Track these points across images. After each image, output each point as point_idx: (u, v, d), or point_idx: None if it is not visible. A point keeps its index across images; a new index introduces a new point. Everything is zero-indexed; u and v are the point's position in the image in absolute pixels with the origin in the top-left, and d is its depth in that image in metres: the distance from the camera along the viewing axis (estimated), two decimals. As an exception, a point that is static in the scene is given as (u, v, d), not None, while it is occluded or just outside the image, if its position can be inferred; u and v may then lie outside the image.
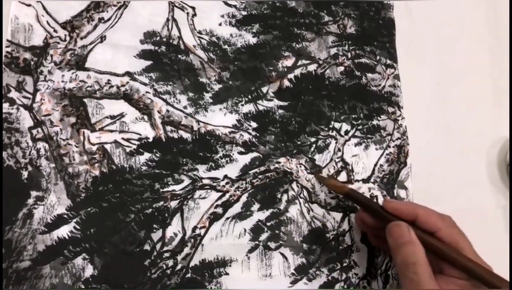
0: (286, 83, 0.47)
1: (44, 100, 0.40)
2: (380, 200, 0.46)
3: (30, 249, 0.38)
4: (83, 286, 0.38)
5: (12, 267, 0.37)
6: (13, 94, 0.40)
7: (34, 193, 0.39)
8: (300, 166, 0.45)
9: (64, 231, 0.39)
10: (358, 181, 0.46)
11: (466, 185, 0.50)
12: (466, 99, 0.51)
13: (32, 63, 0.41)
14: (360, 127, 0.48)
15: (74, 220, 0.39)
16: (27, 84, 0.40)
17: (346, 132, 0.47)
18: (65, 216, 0.39)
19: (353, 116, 0.48)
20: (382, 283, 0.44)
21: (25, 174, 0.39)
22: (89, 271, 0.38)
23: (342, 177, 0.46)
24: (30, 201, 0.38)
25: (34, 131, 0.40)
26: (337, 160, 0.46)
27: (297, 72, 0.47)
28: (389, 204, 0.38)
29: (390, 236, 0.35)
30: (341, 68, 0.49)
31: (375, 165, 0.47)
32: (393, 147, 0.48)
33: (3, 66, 0.41)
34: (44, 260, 0.38)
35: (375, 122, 0.48)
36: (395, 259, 0.35)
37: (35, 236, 0.38)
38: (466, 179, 0.50)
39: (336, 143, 0.47)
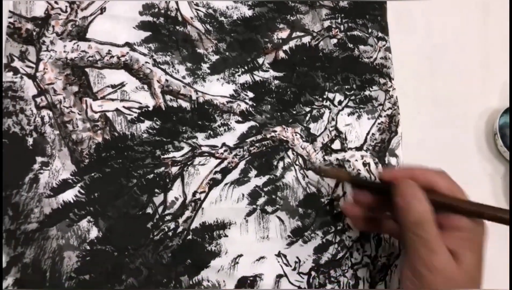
0: (281, 54, 0.49)
1: (47, 69, 0.43)
2: (373, 167, 0.49)
3: (37, 212, 0.40)
4: (88, 247, 0.40)
5: (20, 229, 0.39)
6: (17, 63, 0.42)
7: (39, 159, 0.41)
8: (296, 135, 0.48)
9: (69, 195, 0.41)
10: (351, 149, 0.49)
11: (455, 153, 0.53)
12: (455, 71, 0.54)
13: (34, 33, 0.43)
14: (352, 97, 0.50)
15: (79, 184, 0.41)
16: (30, 54, 0.43)
17: (340, 102, 0.50)
18: (70, 181, 0.41)
19: (346, 86, 0.50)
20: (375, 245, 0.47)
21: (30, 140, 0.41)
22: (94, 233, 0.41)
23: (336, 145, 0.49)
24: (36, 166, 0.41)
25: (38, 99, 0.42)
26: (331, 129, 0.49)
27: (292, 43, 0.50)
28: (386, 173, 0.39)
29: (399, 195, 0.36)
30: (334, 40, 0.51)
31: (368, 134, 0.50)
32: (385, 116, 0.51)
33: (6, 36, 0.43)
34: (51, 222, 0.40)
35: (367, 92, 0.51)
36: (403, 218, 0.36)
37: (41, 200, 0.40)
38: (455, 147, 0.53)
39: (330, 112, 0.49)
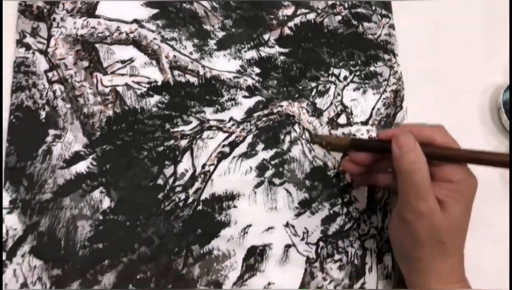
0: (287, 31, 0.51)
1: (58, 45, 0.44)
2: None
3: (51, 182, 0.42)
4: (101, 217, 0.42)
5: (35, 199, 0.41)
6: (29, 39, 0.44)
7: (52, 132, 0.42)
8: (302, 109, 0.49)
9: (81, 167, 0.42)
10: (357, 123, 0.51)
11: (459, 127, 0.54)
12: (458, 47, 0.56)
13: (45, 10, 0.44)
14: (358, 73, 0.52)
15: (91, 156, 0.43)
16: (41, 30, 0.44)
17: (345, 78, 0.51)
18: (82, 153, 0.43)
19: (351, 62, 0.52)
20: (381, 217, 0.48)
21: (43, 114, 0.43)
22: (106, 203, 0.42)
23: (342, 119, 0.50)
24: (49, 138, 0.42)
25: (50, 74, 0.43)
26: (336, 103, 0.51)
27: (297, 20, 0.51)
28: (383, 133, 0.42)
29: (397, 145, 0.38)
30: (339, 17, 0.53)
31: (373, 108, 0.51)
32: (390, 91, 0.52)
33: (18, 13, 0.44)
34: (64, 192, 0.42)
35: (372, 68, 0.52)
36: (399, 167, 0.38)
37: (54, 171, 0.42)
38: (459, 121, 0.54)
39: (335, 88, 0.51)
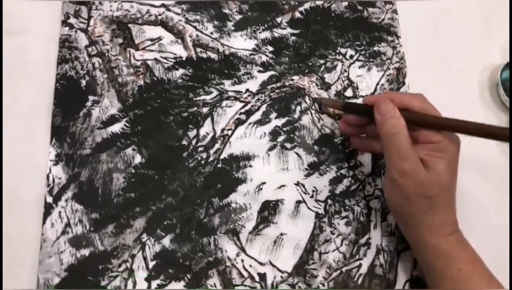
0: (297, 14, 0.58)
1: (96, 24, 0.52)
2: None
3: (90, 140, 0.49)
4: (133, 171, 0.49)
5: (76, 153, 0.48)
6: (72, 20, 0.52)
7: (91, 98, 0.50)
8: (312, 83, 0.56)
9: (116, 128, 0.50)
10: (362, 96, 0.57)
11: (460, 103, 0.59)
12: (458, 29, 0.62)
13: (86, -5, 0.53)
14: (363, 52, 0.58)
15: (124, 119, 0.50)
16: (82, 12, 0.52)
17: (351, 56, 0.58)
18: (117, 116, 0.50)
19: (357, 43, 0.58)
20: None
21: (83, 82, 0.50)
22: (137, 159, 0.49)
23: (349, 92, 0.57)
24: (89, 103, 0.50)
25: (90, 49, 0.51)
26: (343, 78, 0.57)
27: (307, 5, 0.59)
28: (369, 99, 0.47)
29: (378, 113, 0.43)
30: (345, 3, 0.60)
31: (377, 84, 0.58)
32: (393, 69, 0.58)
33: (63, -2, 0.53)
34: (101, 149, 0.49)
35: (376, 48, 0.59)
36: (381, 132, 0.42)
37: (93, 130, 0.49)
38: (460, 98, 0.60)
39: (342, 65, 0.57)
